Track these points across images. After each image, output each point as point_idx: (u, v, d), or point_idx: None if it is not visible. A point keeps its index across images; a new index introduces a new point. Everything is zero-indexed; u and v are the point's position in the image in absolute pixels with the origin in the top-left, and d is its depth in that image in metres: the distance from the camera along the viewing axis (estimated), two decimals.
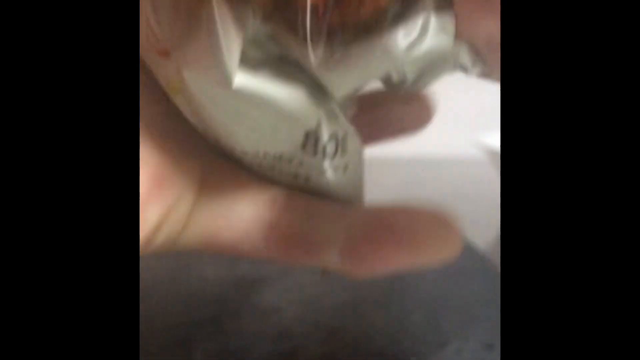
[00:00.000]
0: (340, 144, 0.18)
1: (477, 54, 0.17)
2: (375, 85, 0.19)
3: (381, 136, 0.25)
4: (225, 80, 0.15)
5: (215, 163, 0.20)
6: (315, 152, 0.17)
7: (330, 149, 0.17)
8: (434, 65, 0.17)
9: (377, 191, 0.29)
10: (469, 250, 0.45)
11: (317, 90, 0.16)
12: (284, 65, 0.16)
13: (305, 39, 0.15)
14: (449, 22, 0.16)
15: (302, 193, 0.19)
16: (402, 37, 0.15)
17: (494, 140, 0.50)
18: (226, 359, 0.28)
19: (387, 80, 0.18)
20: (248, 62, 0.15)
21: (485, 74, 0.18)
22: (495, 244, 0.50)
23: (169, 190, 0.18)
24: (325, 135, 0.17)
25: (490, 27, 0.16)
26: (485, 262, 0.43)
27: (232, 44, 0.15)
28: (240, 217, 0.19)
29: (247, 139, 0.17)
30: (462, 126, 0.58)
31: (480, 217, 0.59)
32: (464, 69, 0.18)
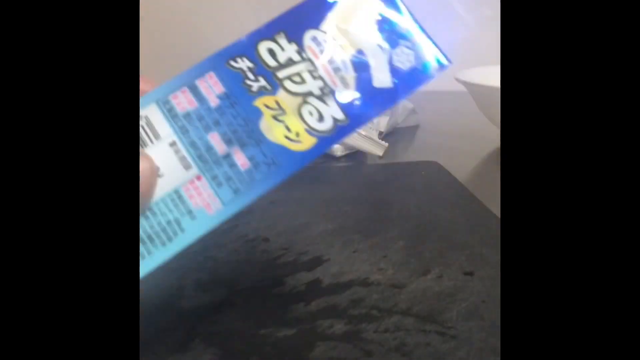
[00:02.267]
0: None
1: None
2: None
3: None
4: None
5: None
6: None
7: None
8: None
9: None
10: (448, 181, 0.45)
11: None
12: None
13: None
14: None
15: None
16: None
17: (471, 75, 0.55)
18: (215, 289, 0.30)
19: None
20: None
21: None
22: (473, 174, 0.50)
23: None
24: None
25: None
26: (464, 192, 0.43)
27: None
28: None
29: None
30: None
31: (460, 147, 0.56)
32: None
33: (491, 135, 0.56)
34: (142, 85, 0.24)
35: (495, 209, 0.37)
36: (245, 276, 0.31)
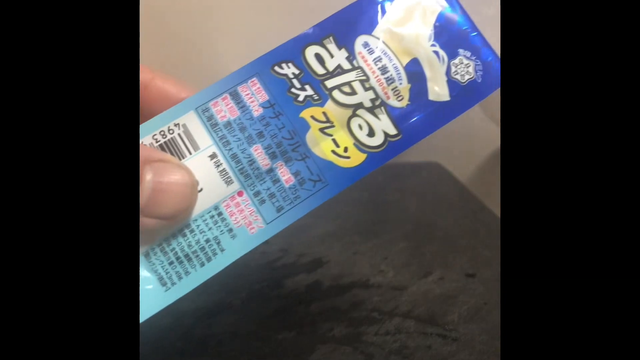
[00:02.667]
0: None
1: None
2: None
3: None
4: None
5: None
6: None
7: None
8: None
9: None
10: (449, 181, 0.45)
11: None
12: None
13: None
14: None
15: None
16: None
17: None
18: (214, 291, 0.29)
19: None
20: None
21: None
22: (474, 174, 0.50)
23: None
24: None
25: None
26: (465, 192, 0.42)
27: None
28: None
29: None
30: None
31: (460, 147, 0.59)
32: None
33: (491, 135, 0.56)
34: (180, 92, 0.23)
35: (497, 209, 0.37)
36: (243, 278, 0.31)
